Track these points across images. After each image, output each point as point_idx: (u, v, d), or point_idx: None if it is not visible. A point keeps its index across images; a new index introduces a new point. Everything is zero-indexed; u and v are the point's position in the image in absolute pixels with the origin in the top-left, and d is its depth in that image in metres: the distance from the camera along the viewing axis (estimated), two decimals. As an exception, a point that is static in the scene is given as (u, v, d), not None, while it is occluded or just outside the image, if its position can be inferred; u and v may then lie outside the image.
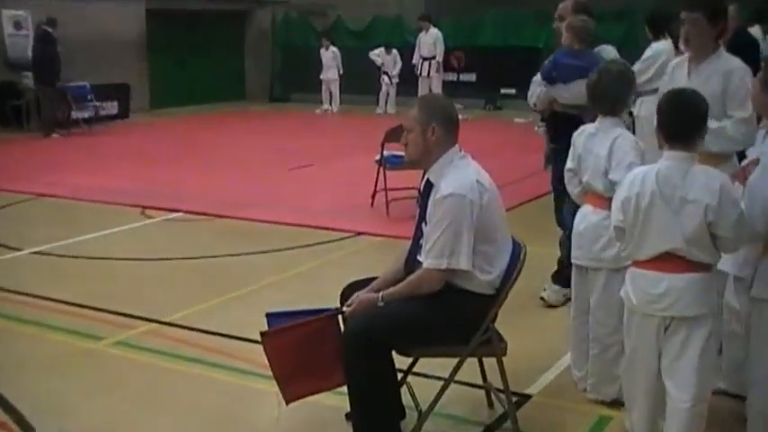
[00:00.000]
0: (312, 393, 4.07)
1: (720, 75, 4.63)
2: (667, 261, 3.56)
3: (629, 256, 3.76)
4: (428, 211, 3.91)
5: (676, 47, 7.73)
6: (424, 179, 4.02)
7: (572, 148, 4.63)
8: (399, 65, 19.34)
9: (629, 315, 3.78)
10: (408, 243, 4.15)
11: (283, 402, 4.00)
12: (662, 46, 8.30)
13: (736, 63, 4.69)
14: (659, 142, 3.68)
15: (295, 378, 3.95)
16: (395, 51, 19.34)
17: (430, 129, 3.89)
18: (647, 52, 8.39)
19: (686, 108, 3.62)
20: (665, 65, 7.98)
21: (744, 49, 7.29)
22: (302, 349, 3.92)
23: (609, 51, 6.04)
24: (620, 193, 3.74)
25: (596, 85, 4.45)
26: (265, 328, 4.01)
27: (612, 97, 4.43)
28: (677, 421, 3.61)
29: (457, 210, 3.77)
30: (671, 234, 3.51)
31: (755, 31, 9.96)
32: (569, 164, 4.66)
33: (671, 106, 3.64)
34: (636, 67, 7.27)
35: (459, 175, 3.86)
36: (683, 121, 3.58)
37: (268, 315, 4.11)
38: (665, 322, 3.61)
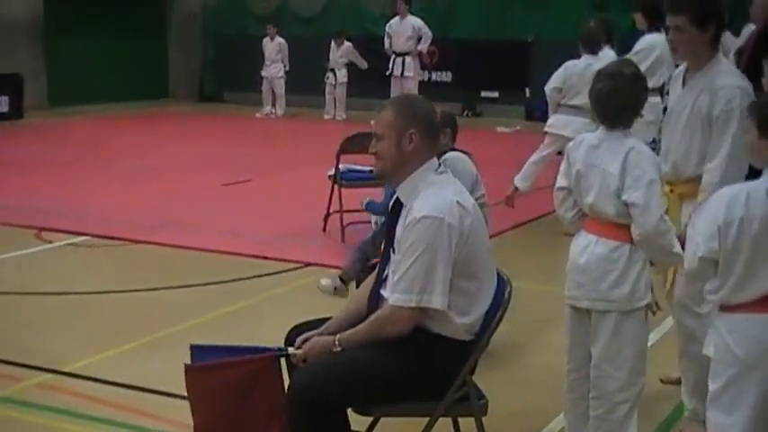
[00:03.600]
0: None
1: (709, 92, 4.72)
2: None
3: (722, 298, 3.72)
4: (397, 236, 3.92)
5: None
6: (394, 198, 4.03)
7: (565, 162, 4.61)
8: (359, 59, 19.30)
9: (737, 376, 3.70)
10: (372, 275, 4.15)
11: None
12: (656, 39, 8.52)
13: (728, 80, 4.75)
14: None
15: (219, 430, 3.94)
16: (348, 44, 19.30)
17: (407, 136, 3.91)
18: (640, 44, 8.62)
19: None
20: (660, 60, 8.19)
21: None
22: (232, 395, 3.89)
23: None
24: (711, 215, 3.70)
25: (608, 90, 4.45)
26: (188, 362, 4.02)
27: (630, 104, 4.45)
28: None
29: (432, 236, 3.76)
30: None
31: None
32: (562, 181, 4.58)
33: None
34: None
35: (437, 194, 3.86)
36: None
37: (193, 348, 4.08)
38: None
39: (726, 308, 3.68)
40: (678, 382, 5.42)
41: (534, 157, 9.75)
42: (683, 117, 4.85)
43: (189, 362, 4.00)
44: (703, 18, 4.78)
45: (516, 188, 9.71)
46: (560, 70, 9.61)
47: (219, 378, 3.92)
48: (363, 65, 19.38)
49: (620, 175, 4.31)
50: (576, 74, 9.35)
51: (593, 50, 9.52)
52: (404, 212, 3.91)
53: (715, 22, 4.83)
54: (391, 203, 4.06)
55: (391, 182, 4.10)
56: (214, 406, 3.91)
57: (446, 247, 3.77)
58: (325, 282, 6.60)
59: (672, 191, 4.88)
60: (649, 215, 4.22)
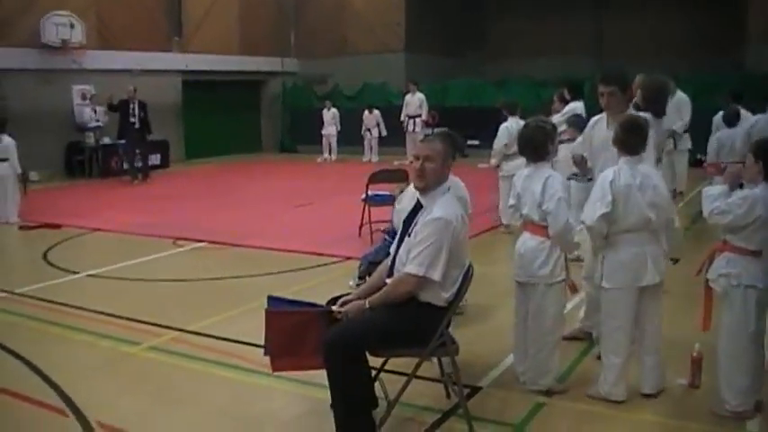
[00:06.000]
0: (294, 369, 4.06)
1: None
2: None
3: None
4: (416, 227, 3.88)
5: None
6: (415, 201, 3.99)
7: (512, 188, 4.61)
8: (381, 123, 18.98)
9: None
10: (385, 261, 4.13)
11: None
12: (577, 104, 8.42)
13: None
14: None
15: (283, 354, 3.92)
16: (376, 111, 19.09)
17: (449, 160, 3.91)
18: (566, 108, 8.48)
19: None
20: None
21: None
22: (293, 332, 3.88)
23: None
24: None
25: (521, 137, 4.50)
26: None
27: (536, 144, 4.46)
28: None
29: (443, 231, 3.76)
30: None
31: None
32: (511, 201, 4.60)
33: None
34: (556, 119, 7.37)
35: (450, 204, 3.86)
36: None
37: (269, 297, 4.05)
38: None
39: None
40: (577, 335, 5.33)
41: (504, 200, 9.02)
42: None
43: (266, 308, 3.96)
44: (625, 87, 4.93)
45: (507, 224, 9.03)
46: (503, 131, 9.17)
47: (287, 320, 3.90)
48: (383, 131, 18.99)
49: (541, 193, 4.32)
50: (516, 131, 9.10)
51: (513, 113, 9.39)
52: (422, 212, 3.89)
53: (630, 89, 5.04)
54: (413, 205, 4.00)
55: (427, 192, 3.93)
56: (280, 338, 3.89)
57: (449, 240, 3.76)
58: (351, 282, 6.60)
59: None
60: (558, 219, 4.24)
